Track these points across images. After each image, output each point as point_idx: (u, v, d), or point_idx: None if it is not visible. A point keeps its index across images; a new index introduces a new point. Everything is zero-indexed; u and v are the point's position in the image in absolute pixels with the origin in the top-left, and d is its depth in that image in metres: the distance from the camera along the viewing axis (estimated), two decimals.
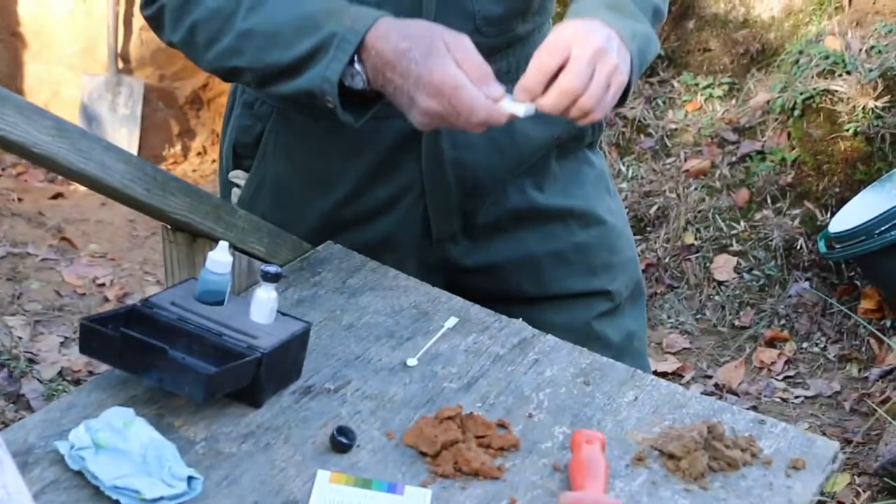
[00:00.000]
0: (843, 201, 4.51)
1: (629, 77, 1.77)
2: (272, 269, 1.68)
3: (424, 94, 1.67)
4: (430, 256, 2.09)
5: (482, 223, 2.10)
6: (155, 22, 1.91)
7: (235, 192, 2.16)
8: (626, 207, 4.94)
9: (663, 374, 4.09)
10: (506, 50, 2.00)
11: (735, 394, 4.18)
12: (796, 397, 4.17)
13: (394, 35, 1.70)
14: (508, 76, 2.00)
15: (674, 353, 4.46)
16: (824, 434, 3.02)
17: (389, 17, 1.73)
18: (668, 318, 4.68)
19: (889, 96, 4.56)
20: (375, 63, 1.71)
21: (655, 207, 4.97)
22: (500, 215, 2.10)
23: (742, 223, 4.82)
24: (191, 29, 1.84)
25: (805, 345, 4.43)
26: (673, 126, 5.25)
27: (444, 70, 1.66)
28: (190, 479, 1.45)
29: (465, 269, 2.10)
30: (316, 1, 1.78)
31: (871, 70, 4.64)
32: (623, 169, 5.17)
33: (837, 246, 4.27)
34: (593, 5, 1.80)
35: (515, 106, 1.71)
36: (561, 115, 1.72)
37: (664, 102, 5.38)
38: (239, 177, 2.16)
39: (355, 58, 1.72)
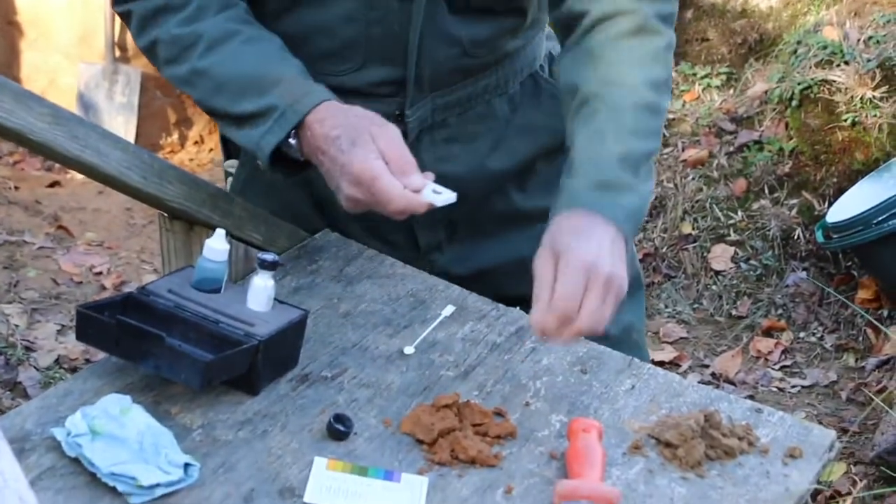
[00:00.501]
0: (840, 191, 4.51)
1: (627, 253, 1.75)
2: (269, 256, 1.69)
3: (346, 182, 1.71)
4: (419, 267, 2.08)
5: (467, 230, 2.09)
6: (125, 20, 1.94)
7: (230, 182, 2.16)
8: None
9: (660, 364, 4.09)
10: (494, 67, 2.00)
11: (732, 383, 4.18)
12: (793, 387, 4.17)
13: (329, 121, 1.74)
14: (496, 90, 2.00)
15: (671, 343, 4.46)
16: (821, 423, 3.02)
17: (331, 102, 1.77)
18: (666, 307, 4.68)
19: (887, 86, 4.56)
20: (310, 143, 1.76)
21: (653, 197, 4.97)
22: (485, 221, 2.09)
23: (739, 213, 4.81)
24: (153, 43, 1.87)
25: (802, 334, 4.43)
26: (671, 116, 5.24)
27: (365, 161, 1.69)
28: (186, 465, 1.46)
29: (454, 277, 2.08)
30: (269, 61, 1.81)
31: (869, 60, 4.63)
32: None
33: (835, 236, 4.27)
34: (585, 191, 1.75)
35: (435, 196, 1.72)
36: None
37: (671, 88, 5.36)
38: (233, 166, 2.16)
39: (292, 133, 1.77)
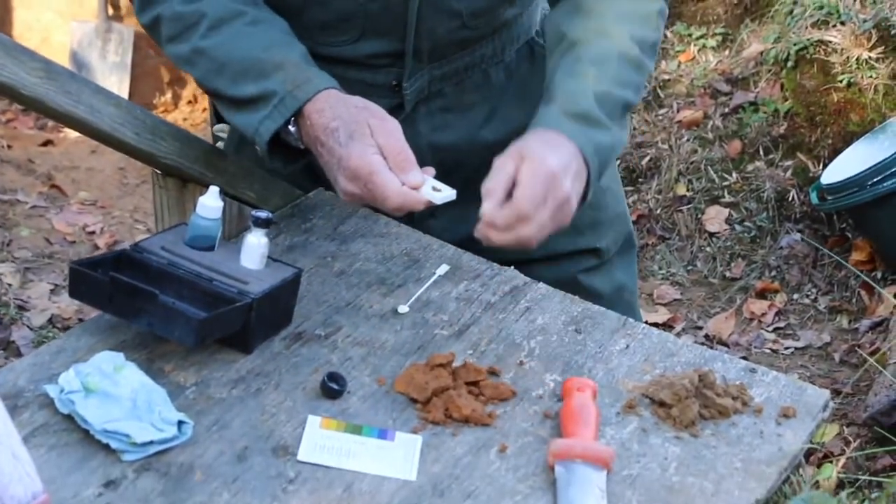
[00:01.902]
0: (835, 153, 4.50)
1: (585, 191, 1.76)
2: (263, 214, 1.68)
3: (343, 177, 1.71)
4: None
5: (461, 194, 2.09)
6: None
7: (220, 146, 2.15)
8: (618, 159, 4.92)
9: (654, 325, 4.07)
10: (490, 37, 1.99)
11: (725, 345, 4.19)
12: (786, 348, 4.18)
13: (328, 112, 1.73)
14: (492, 59, 1.99)
15: (665, 305, 4.47)
16: (814, 385, 3.01)
17: (332, 91, 1.75)
18: (660, 269, 4.68)
19: (883, 47, 4.55)
20: (308, 132, 1.75)
21: (647, 158, 4.96)
22: (478, 185, 2.09)
23: (734, 174, 4.81)
24: (155, 20, 1.87)
25: (796, 296, 4.44)
26: (665, 77, 5.23)
27: (363, 155, 1.68)
28: (180, 423, 1.45)
29: (448, 242, 2.08)
30: (271, 44, 1.79)
31: (865, 21, 4.62)
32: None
33: (829, 197, 4.27)
34: (560, 117, 1.77)
35: (434, 194, 1.72)
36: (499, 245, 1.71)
37: (657, 53, 5.35)
38: (223, 130, 2.15)
39: (291, 119, 1.75)
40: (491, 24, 1.97)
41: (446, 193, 1.73)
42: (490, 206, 1.67)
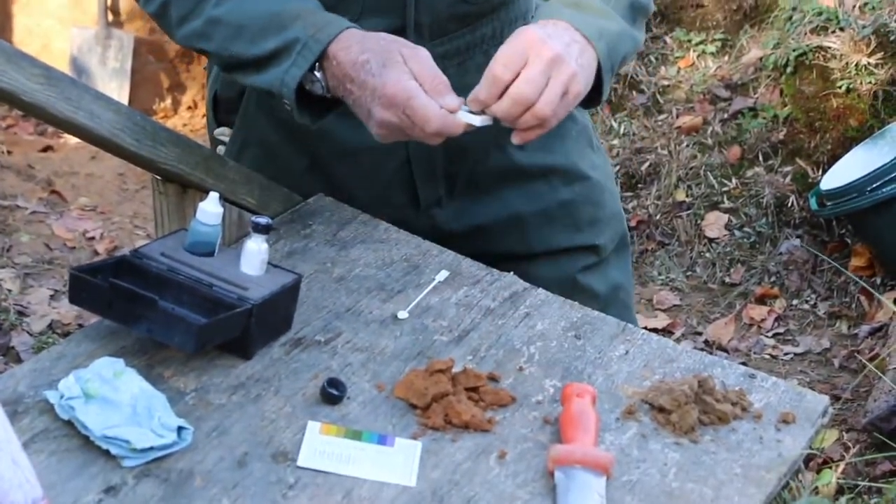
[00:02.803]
0: (835, 158, 4.51)
1: (600, 77, 1.77)
2: (263, 220, 1.68)
3: (380, 106, 1.69)
4: (416, 223, 2.08)
5: (465, 185, 2.09)
6: None
7: (221, 150, 2.15)
8: (617, 164, 4.96)
9: (653, 331, 4.04)
10: (490, 15, 1.99)
11: (725, 350, 4.19)
12: (786, 354, 4.18)
13: (355, 47, 1.71)
14: (493, 40, 1.99)
15: (664, 310, 4.47)
16: (813, 390, 3.01)
17: (355, 29, 1.75)
18: (659, 274, 4.68)
19: (882, 53, 4.55)
20: (336, 73, 1.73)
21: (647, 164, 4.97)
22: (483, 176, 2.09)
23: (733, 180, 4.81)
24: (164, 4, 1.86)
25: (795, 302, 4.44)
26: (665, 82, 5.23)
27: (398, 81, 1.67)
28: (180, 429, 1.45)
29: (451, 234, 2.09)
30: (285, 0, 1.78)
31: (864, 27, 4.62)
32: (615, 125, 5.16)
33: (829, 203, 4.27)
34: (557, 6, 1.80)
35: (472, 116, 1.71)
36: (514, 122, 1.72)
37: (656, 59, 5.36)
38: (224, 134, 2.15)
39: (316, 65, 1.73)
40: (490, 1, 1.97)
41: (484, 116, 1.72)
42: (472, 93, 1.71)
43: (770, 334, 4.30)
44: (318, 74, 1.74)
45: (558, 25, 1.74)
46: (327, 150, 2.04)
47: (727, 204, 4.78)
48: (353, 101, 1.73)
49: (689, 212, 4.81)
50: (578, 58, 1.72)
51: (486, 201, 2.10)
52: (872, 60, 4.54)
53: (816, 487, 2.22)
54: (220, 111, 2.16)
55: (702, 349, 4.11)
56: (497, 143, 2.05)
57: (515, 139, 1.74)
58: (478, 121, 1.71)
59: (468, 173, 2.08)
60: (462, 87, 1.97)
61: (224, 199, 1.79)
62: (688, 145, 4.97)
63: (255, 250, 1.68)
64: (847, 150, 4.45)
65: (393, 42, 1.72)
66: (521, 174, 2.10)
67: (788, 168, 4.74)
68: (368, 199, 2.06)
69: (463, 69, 1.99)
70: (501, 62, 1.69)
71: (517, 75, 1.69)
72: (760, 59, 4.99)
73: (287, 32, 1.74)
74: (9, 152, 5.49)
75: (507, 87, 1.69)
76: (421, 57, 1.71)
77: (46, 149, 5.71)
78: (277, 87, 1.76)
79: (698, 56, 5.28)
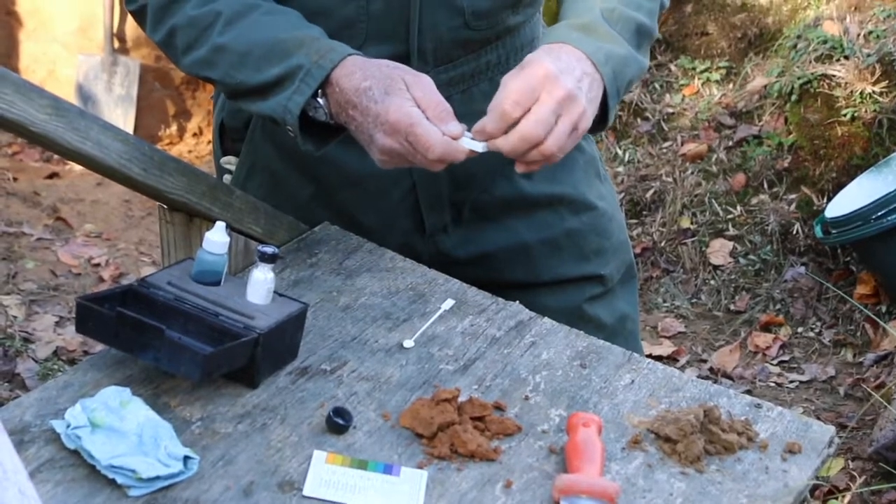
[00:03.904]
0: (839, 186, 4.51)
1: (605, 101, 1.78)
2: (269, 249, 1.68)
3: (382, 132, 1.70)
4: (421, 250, 2.08)
5: (471, 213, 2.10)
6: (138, 18, 1.94)
7: (227, 178, 2.15)
8: (622, 191, 4.96)
9: (658, 358, 4.09)
10: (495, 42, 2.00)
11: (730, 378, 4.18)
12: (791, 382, 4.17)
13: (357, 74, 1.72)
14: (498, 68, 2.00)
15: (669, 337, 4.47)
16: (819, 419, 3.01)
17: (357, 56, 1.76)
18: (664, 301, 4.68)
19: (887, 81, 4.56)
20: (338, 100, 1.74)
21: (652, 191, 4.97)
22: (490, 205, 2.10)
23: (738, 208, 4.81)
24: (170, 32, 1.87)
25: (800, 329, 4.43)
26: (670, 110, 5.24)
27: (401, 108, 1.68)
28: (186, 458, 1.45)
29: (456, 261, 2.09)
30: (290, 27, 1.80)
31: (869, 55, 4.63)
32: (619, 152, 5.17)
33: (833, 231, 4.27)
34: (566, 29, 1.80)
35: (475, 143, 1.72)
36: (519, 158, 1.72)
37: (661, 86, 5.37)
38: (231, 162, 2.16)
39: (319, 92, 1.74)
40: (494, 27, 1.98)
41: (486, 143, 1.73)
42: (479, 122, 1.71)
43: (775, 362, 4.29)
44: (321, 101, 1.75)
45: (570, 55, 1.74)
46: (333, 178, 2.05)
47: (732, 231, 4.78)
48: (356, 128, 1.74)
49: (693, 239, 4.81)
50: (588, 92, 1.73)
51: (492, 229, 2.11)
52: (877, 89, 4.55)
53: None
54: (227, 140, 2.17)
55: (706, 377, 4.11)
56: (504, 172, 2.05)
57: (519, 168, 1.74)
58: (480, 147, 1.72)
59: (474, 201, 2.08)
60: (467, 113, 1.98)
61: (230, 229, 1.79)
62: (692, 173, 4.97)
63: (262, 279, 1.68)
64: (852, 178, 4.46)
65: (396, 69, 1.73)
66: (528, 203, 2.10)
67: (793, 196, 4.75)
68: (374, 226, 2.06)
69: (468, 96, 1.99)
70: (512, 98, 1.69)
71: (527, 111, 1.69)
72: (765, 86, 5.00)
73: (290, 59, 1.75)
74: (14, 179, 5.50)
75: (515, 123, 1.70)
76: (424, 84, 1.72)
77: (52, 175, 5.72)
78: (281, 114, 1.77)
79: (703, 84, 5.29)
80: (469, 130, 1.73)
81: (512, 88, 1.69)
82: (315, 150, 1.81)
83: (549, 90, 1.68)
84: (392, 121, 1.68)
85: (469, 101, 2.00)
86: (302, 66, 1.74)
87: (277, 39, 1.78)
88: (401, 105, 1.68)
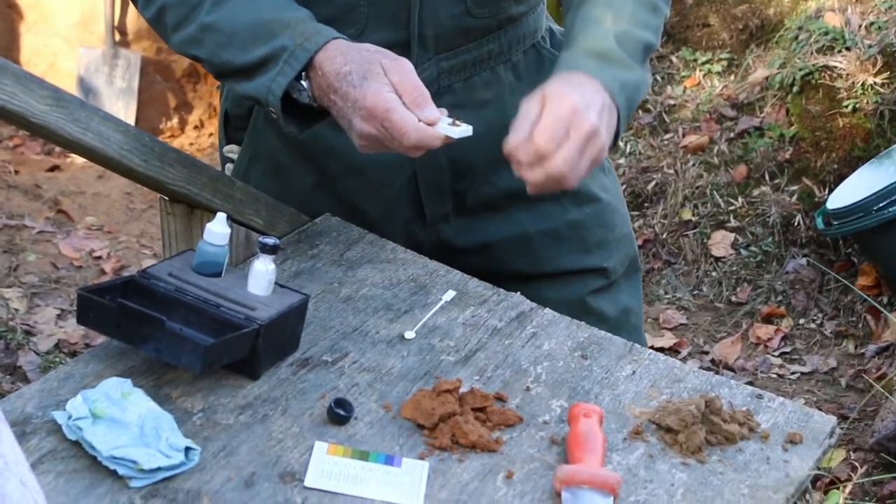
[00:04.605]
0: (841, 178, 4.50)
1: (616, 129, 1.78)
2: (270, 240, 1.68)
3: (359, 118, 1.69)
4: (422, 238, 2.08)
5: (474, 203, 2.09)
6: None
7: (230, 168, 2.16)
8: (623, 183, 4.96)
9: (660, 350, 4.08)
10: (497, 31, 2.00)
11: (731, 370, 4.18)
12: (792, 373, 4.17)
13: (339, 58, 1.72)
14: (500, 57, 2.00)
15: (670, 329, 4.47)
16: (820, 410, 3.01)
17: (342, 40, 1.75)
18: (665, 293, 4.68)
19: (888, 72, 4.56)
20: (321, 83, 1.74)
21: (653, 183, 4.97)
22: (492, 194, 2.09)
23: (740, 199, 4.81)
24: (160, 10, 1.87)
25: (802, 321, 4.43)
26: (671, 102, 5.24)
27: (377, 93, 1.68)
28: (187, 449, 1.46)
29: (458, 249, 2.09)
30: (278, 8, 1.80)
31: (870, 46, 4.63)
32: (621, 144, 5.16)
33: (835, 222, 4.27)
34: (582, 58, 1.79)
35: (451, 129, 1.71)
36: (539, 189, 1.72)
37: (663, 78, 5.37)
38: (233, 151, 2.16)
39: (303, 74, 1.74)
40: (496, 16, 1.98)
41: (463, 129, 1.72)
42: (512, 140, 1.70)
43: (776, 353, 4.29)
44: (304, 83, 1.75)
45: (591, 87, 1.73)
46: (335, 166, 2.05)
47: (733, 223, 4.77)
48: (337, 112, 1.74)
49: (695, 231, 4.81)
50: (608, 123, 1.73)
51: (494, 219, 2.11)
52: (878, 80, 4.54)
53: None
54: (231, 129, 2.17)
55: (708, 368, 4.10)
56: (506, 162, 2.05)
57: (530, 190, 1.74)
58: (456, 133, 1.71)
59: (476, 191, 2.08)
60: (468, 102, 1.98)
61: (231, 220, 1.79)
62: (694, 164, 4.97)
63: (263, 270, 1.68)
64: (853, 170, 4.45)
65: (375, 53, 1.73)
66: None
67: (795, 187, 4.74)
68: (376, 214, 2.06)
69: (469, 84, 1.99)
70: (547, 135, 1.67)
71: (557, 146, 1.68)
72: (766, 78, 4.99)
73: (275, 41, 1.75)
74: (16, 172, 5.50)
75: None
76: (402, 68, 1.71)
77: (53, 168, 5.72)
78: (264, 95, 1.77)
79: (704, 75, 5.29)
80: (448, 115, 1.72)
81: (546, 125, 1.67)
82: (298, 133, 1.81)
83: (577, 126, 1.67)
84: (368, 106, 1.68)
85: (470, 90, 2.00)
86: (286, 48, 1.74)
87: (264, 20, 1.77)
88: (378, 90, 1.68)
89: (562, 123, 1.67)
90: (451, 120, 1.72)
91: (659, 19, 1.93)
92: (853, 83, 4.58)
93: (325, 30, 1.76)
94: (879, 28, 4.71)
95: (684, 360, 4.16)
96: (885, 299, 4.32)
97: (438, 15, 1.92)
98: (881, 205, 4.04)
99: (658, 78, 5.35)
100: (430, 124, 1.69)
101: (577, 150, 1.67)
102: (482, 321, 1.82)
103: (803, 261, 4.58)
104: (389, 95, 1.68)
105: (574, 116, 1.68)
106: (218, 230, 1.69)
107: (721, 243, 4.75)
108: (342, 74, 1.70)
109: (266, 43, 1.76)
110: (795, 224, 4.65)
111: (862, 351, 4.21)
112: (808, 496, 1.64)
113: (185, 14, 1.83)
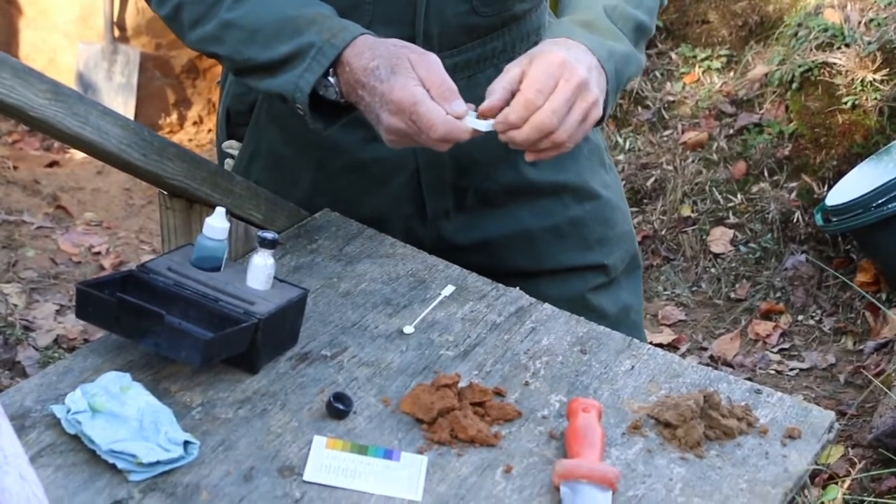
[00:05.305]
0: (840, 174, 4.50)
1: (606, 100, 1.78)
2: (269, 235, 1.68)
3: (387, 112, 1.69)
4: (423, 235, 2.08)
5: (474, 199, 2.09)
6: None
7: (228, 163, 2.15)
8: (623, 180, 4.96)
9: (659, 346, 4.07)
10: (501, 29, 2.00)
11: (730, 366, 4.18)
12: (791, 370, 4.17)
13: (366, 53, 1.72)
14: (504, 55, 2.00)
15: (669, 325, 4.47)
16: (819, 406, 3.01)
17: (368, 35, 1.75)
18: (664, 290, 4.68)
19: (888, 69, 4.55)
20: (348, 79, 1.73)
21: (652, 180, 4.97)
22: (493, 191, 2.09)
23: (739, 196, 4.81)
24: (177, 7, 1.86)
25: (800, 317, 4.43)
26: (671, 98, 5.24)
27: (405, 87, 1.68)
28: (186, 443, 1.46)
29: (458, 246, 2.09)
30: (301, 4, 1.79)
31: (870, 43, 4.62)
32: (620, 141, 5.16)
33: (834, 219, 4.27)
34: (569, 25, 1.80)
35: (479, 122, 1.71)
36: (531, 147, 1.71)
37: (662, 74, 5.37)
38: (233, 146, 2.15)
39: (330, 71, 1.74)
40: (501, 14, 1.98)
41: (490, 121, 1.71)
42: (487, 102, 1.70)
43: (775, 350, 4.29)
44: (331, 80, 1.75)
45: (578, 48, 1.74)
46: (336, 162, 2.05)
47: (732, 219, 4.77)
48: (364, 107, 1.74)
49: (694, 227, 4.81)
50: (598, 82, 1.73)
51: (494, 216, 2.11)
52: (878, 76, 4.54)
53: (822, 503, 2.22)
54: (232, 125, 2.16)
55: (707, 364, 4.10)
56: (508, 158, 2.05)
57: (529, 157, 1.74)
58: (484, 126, 1.71)
59: (477, 187, 2.08)
60: (472, 99, 1.97)
61: (230, 214, 1.79)
62: (693, 161, 4.97)
63: (262, 265, 1.68)
64: (852, 166, 4.45)
65: (403, 48, 1.73)
66: (532, 190, 2.10)
67: (794, 184, 4.74)
68: (377, 210, 2.06)
69: (473, 82, 1.99)
70: (535, 87, 1.67)
71: (548, 99, 1.68)
72: (766, 74, 4.99)
73: (302, 37, 1.75)
74: (15, 167, 5.50)
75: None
76: (429, 62, 1.71)
77: (52, 164, 5.72)
78: (291, 92, 1.76)
79: (704, 72, 5.29)
80: (475, 110, 1.72)
81: (534, 76, 1.68)
82: (324, 129, 1.81)
83: (567, 77, 1.68)
84: (396, 100, 1.68)
85: (474, 88, 2.00)
86: (314, 44, 1.73)
87: (288, 16, 1.77)
88: (405, 84, 1.68)
89: (550, 76, 1.67)
90: (477, 114, 1.72)
91: (654, 2, 1.94)
92: (852, 80, 4.58)
93: (351, 26, 1.76)
94: (879, 24, 4.71)
95: (683, 356, 4.15)
96: (884, 296, 4.32)
97: (444, 13, 1.92)
98: (880, 201, 4.03)
99: (657, 74, 5.35)
100: (457, 118, 1.69)
101: (565, 101, 1.67)
102: (481, 316, 1.83)
103: (802, 257, 4.57)
104: (417, 89, 1.68)
105: (563, 69, 1.68)
106: (217, 225, 1.69)
107: (720, 240, 4.75)
108: (370, 70, 1.70)
109: (292, 39, 1.75)
110: (794, 221, 4.65)
111: (860, 347, 4.21)
112: (806, 491, 1.65)
113: (203, 12, 1.82)
